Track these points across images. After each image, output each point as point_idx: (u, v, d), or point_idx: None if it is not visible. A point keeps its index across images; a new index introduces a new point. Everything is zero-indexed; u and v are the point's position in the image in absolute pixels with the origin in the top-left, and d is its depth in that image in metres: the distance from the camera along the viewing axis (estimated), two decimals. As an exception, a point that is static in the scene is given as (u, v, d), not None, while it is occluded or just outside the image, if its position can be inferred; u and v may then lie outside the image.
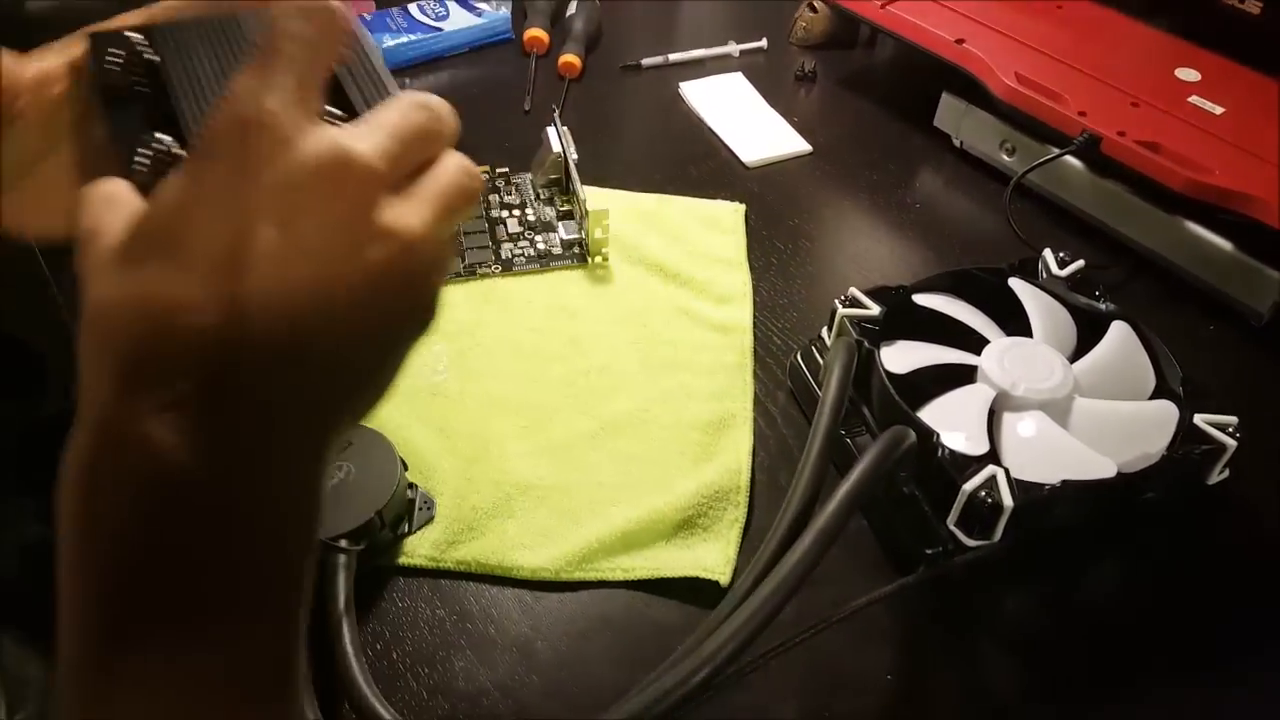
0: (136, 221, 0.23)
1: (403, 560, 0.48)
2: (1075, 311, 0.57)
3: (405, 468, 0.50)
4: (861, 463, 0.41)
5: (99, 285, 0.23)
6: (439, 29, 0.89)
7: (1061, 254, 0.59)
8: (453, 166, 0.27)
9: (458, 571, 0.49)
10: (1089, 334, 0.56)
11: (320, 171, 0.23)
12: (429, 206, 0.25)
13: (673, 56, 0.90)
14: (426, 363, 0.59)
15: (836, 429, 0.46)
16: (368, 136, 0.24)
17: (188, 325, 0.22)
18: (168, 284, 0.22)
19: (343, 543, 0.44)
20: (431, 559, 0.49)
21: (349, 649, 0.41)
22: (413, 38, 0.87)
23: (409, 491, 0.50)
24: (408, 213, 0.25)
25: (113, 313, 0.23)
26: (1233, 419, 0.50)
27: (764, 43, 0.93)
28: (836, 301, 0.54)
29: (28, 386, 0.76)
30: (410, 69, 0.88)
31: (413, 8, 0.91)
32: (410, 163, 0.26)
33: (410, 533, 0.49)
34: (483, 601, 0.48)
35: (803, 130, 0.82)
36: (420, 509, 0.50)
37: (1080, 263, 0.58)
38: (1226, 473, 0.51)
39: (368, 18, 0.89)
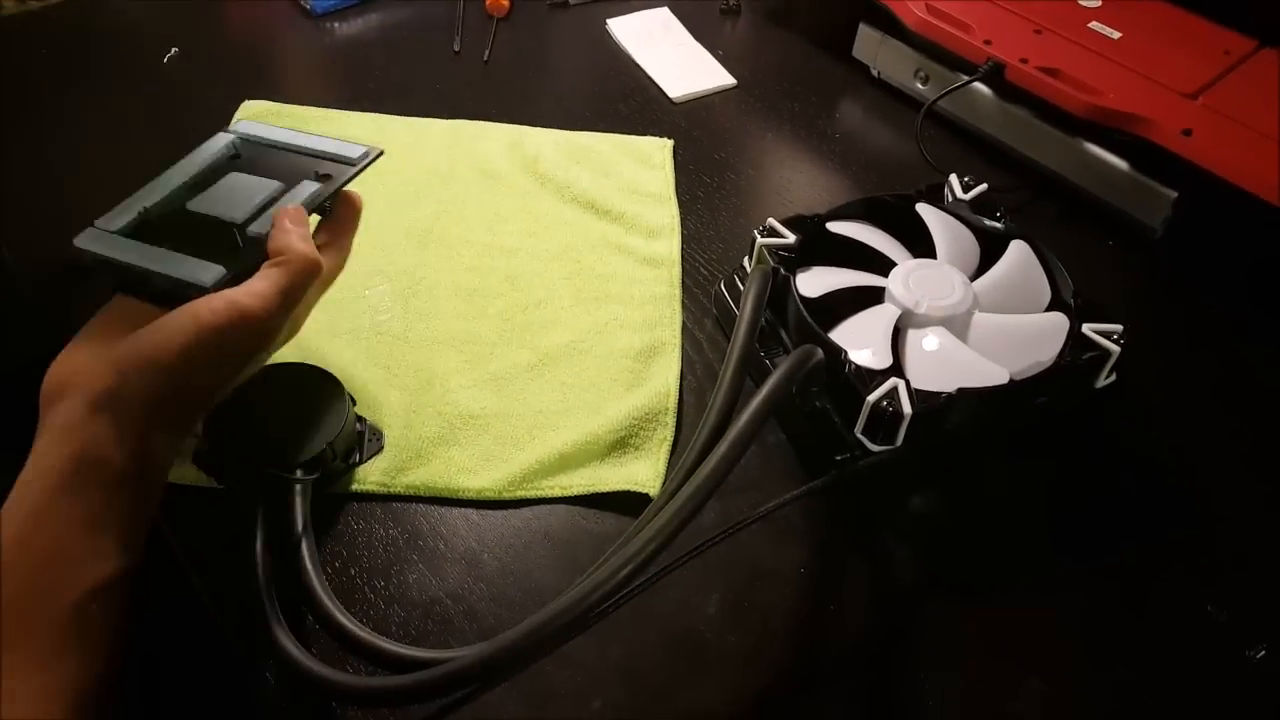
0: None
1: (355, 487, 0.52)
2: (979, 233, 0.61)
3: (354, 403, 0.53)
4: (771, 378, 0.45)
5: None
6: (367, -30, 0.89)
7: (966, 178, 0.63)
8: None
9: (407, 495, 0.52)
10: (992, 254, 0.60)
11: None
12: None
13: (600, -9, 0.92)
14: (371, 304, 0.62)
15: (751, 347, 0.50)
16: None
17: None
18: None
19: (298, 473, 0.47)
20: (382, 485, 0.52)
21: (309, 566, 0.44)
22: (341, -20, 0.88)
23: (358, 425, 0.53)
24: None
25: None
26: (1118, 327, 0.54)
27: (690, -25, 0.94)
28: (756, 232, 0.58)
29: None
30: (339, 13, 0.88)
31: (340, -51, 0.90)
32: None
33: (361, 462, 0.52)
34: (431, 520, 0.51)
35: (727, 63, 0.84)
36: (370, 440, 0.53)
37: (984, 186, 0.62)
38: (1113, 377, 0.56)
39: (296, -39, 0.89)
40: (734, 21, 0.90)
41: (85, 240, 0.44)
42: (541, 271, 0.65)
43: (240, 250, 0.44)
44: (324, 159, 0.50)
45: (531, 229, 0.68)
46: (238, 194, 0.47)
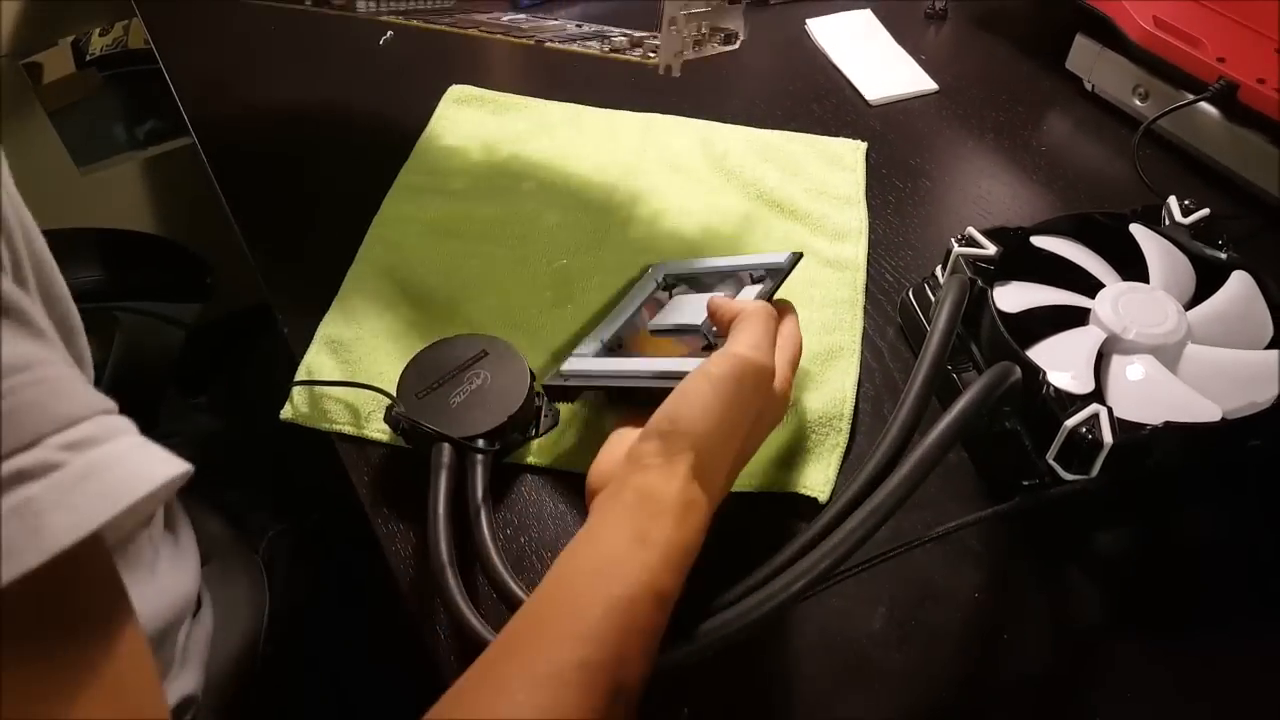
0: None
1: (530, 460, 0.53)
2: (1197, 260, 0.57)
3: (534, 378, 0.54)
4: (966, 395, 0.43)
5: None
6: (572, -36, 0.92)
7: (1187, 202, 0.59)
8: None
9: (579, 473, 0.53)
10: (1211, 283, 0.56)
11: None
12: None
13: (801, -9, 0.91)
14: (554, 282, 0.63)
15: (943, 361, 0.48)
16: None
17: None
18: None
19: (480, 442, 0.49)
20: (556, 459, 0.53)
21: (486, 533, 0.45)
22: (547, -27, 0.90)
23: (536, 399, 0.55)
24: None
25: None
26: (1351, 372, 0.50)
27: (895, -21, 0.92)
28: (953, 240, 0.56)
29: (193, 290, 0.84)
30: (545, 4, 0.90)
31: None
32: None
33: (537, 436, 0.54)
34: (601, 501, 0.52)
35: (930, 69, 0.81)
36: (546, 415, 0.54)
37: (1205, 211, 0.58)
38: (1340, 426, 0.51)
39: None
40: (939, 26, 0.88)
41: (572, 365, 0.53)
42: (723, 268, 0.65)
43: (709, 346, 0.51)
44: (754, 269, 0.57)
45: (715, 225, 0.68)
46: (690, 308, 0.55)
